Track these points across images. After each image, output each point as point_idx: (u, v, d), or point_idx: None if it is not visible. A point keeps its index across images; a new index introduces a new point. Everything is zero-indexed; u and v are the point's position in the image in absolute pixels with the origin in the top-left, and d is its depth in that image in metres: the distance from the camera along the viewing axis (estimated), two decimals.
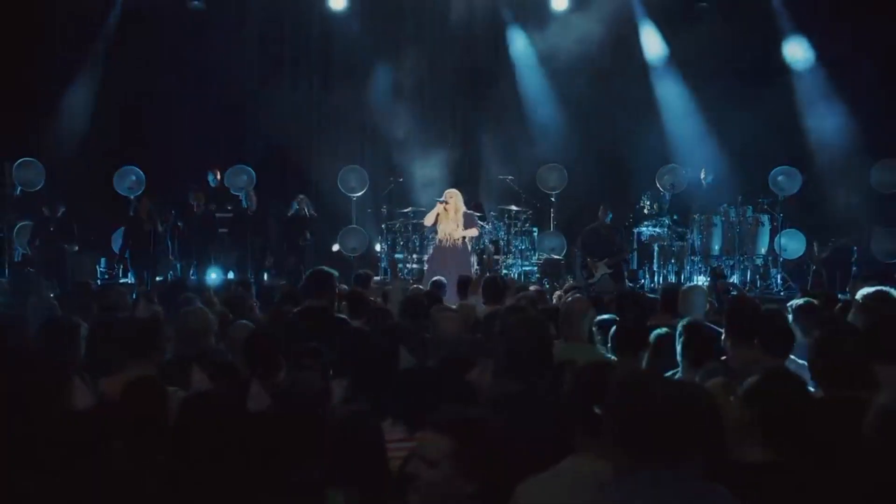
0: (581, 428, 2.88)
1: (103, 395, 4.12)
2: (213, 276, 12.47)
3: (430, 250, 13.03)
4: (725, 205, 12.80)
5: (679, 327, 4.61)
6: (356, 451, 3.13)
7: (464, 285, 8.25)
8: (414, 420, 3.55)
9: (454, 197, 10.98)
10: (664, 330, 4.97)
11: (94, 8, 13.54)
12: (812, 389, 3.99)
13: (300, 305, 6.33)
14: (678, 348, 4.53)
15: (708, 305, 6.71)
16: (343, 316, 6.23)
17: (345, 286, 7.90)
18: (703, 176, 12.93)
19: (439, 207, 10.93)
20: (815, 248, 12.14)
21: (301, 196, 12.82)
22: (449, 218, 10.89)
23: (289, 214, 12.77)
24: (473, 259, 12.66)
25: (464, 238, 11.02)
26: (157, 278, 12.44)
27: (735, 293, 9.56)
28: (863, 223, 12.10)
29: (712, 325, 4.99)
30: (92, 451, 3.37)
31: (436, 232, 11.18)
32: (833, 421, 3.19)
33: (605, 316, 5.76)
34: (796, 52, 13.61)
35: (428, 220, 11.25)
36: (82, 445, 3.39)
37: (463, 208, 11.02)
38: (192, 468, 3.08)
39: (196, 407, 3.24)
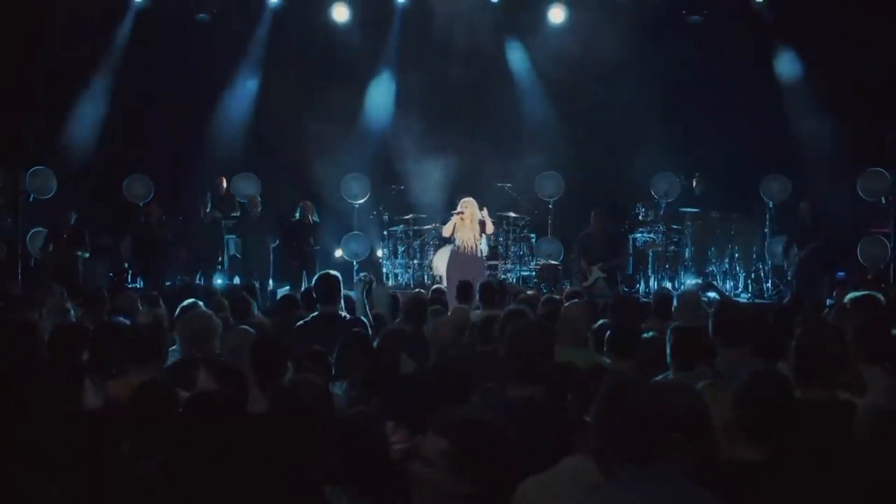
0: (580, 428, 2.90)
1: (110, 398, 4.13)
2: (220, 281, 12.49)
3: (431, 255, 13.07)
4: (717, 211, 12.83)
5: (668, 331, 4.62)
6: (360, 450, 3.14)
7: (464, 290, 8.21)
8: (415, 423, 3.57)
9: (469, 206, 11.01)
10: (653, 333, 4.99)
11: (100, 11, 13.52)
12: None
13: (308, 310, 6.35)
14: (668, 351, 4.54)
15: (702, 310, 6.72)
16: (351, 319, 6.23)
17: (348, 291, 7.91)
18: (694, 183, 12.98)
19: (456, 218, 10.97)
20: (788, 257, 12.19)
21: (307, 202, 12.84)
22: (465, 226, 10.94)
23: (292, 220, 12.78)
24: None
25: (479, 244, 11.06)
26: (167, 283, 12.46)
27: (718, 297, 9.58)
28: (848, 230, 12.13)
29: (703, 329, 5.00)
30: (100, 451, 3.39)
31: (453, 241, 11.17)
32: (812, 421, 3.20)
33: (600, 321, 5.78)
34: (785, 63, 13.64)
35: (446, 231, 11.26)
36: (91, 445, 3.40)
37: (478, 215, 11.06)
38: (195, 467, 3.09)
39: (199, 407, 3.25)
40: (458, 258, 10.96)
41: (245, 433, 3.17)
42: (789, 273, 12.31)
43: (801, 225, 12.24)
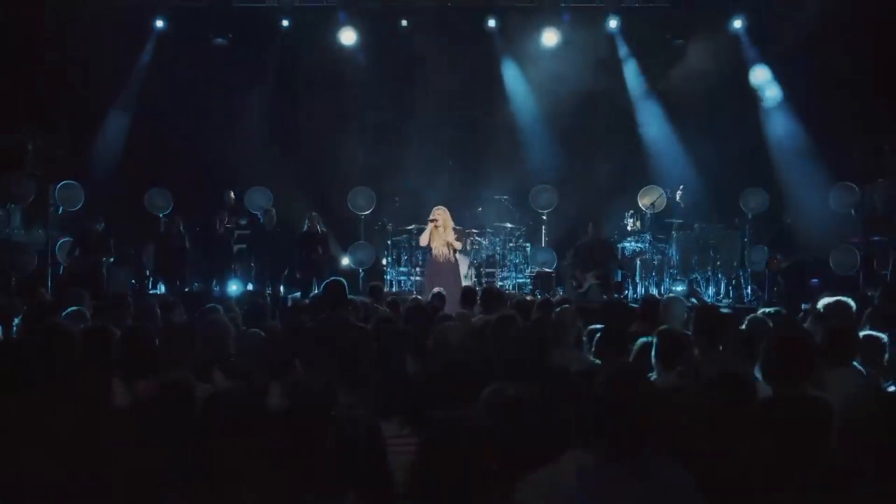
0: (578, 424, 2.96)
1: (138, 395, 4.18)
2: (234, 287, 12.54)
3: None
4: (700, 222, 12.90)
5: (655, 334, 4.68)
6: (358, 452, 3.17)
7: (467, 296, 8.22)
8: (419, 421, 3.61)
9: (442, 214, 10.89)
10: (647, 338, 5.05)
11: (125, 36, 13.60)
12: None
13: (316, 315, 6.39)
14: (653, 352, 4.60)
15: (686, 315, 6.75)
16: (360, 324, 6.27)
17: (352, 296, 7.96)
18: (678, 196, 13.05)
19: (430, 227, 10.86)
20: (778, 260, 12.18)
21: (314, 213, 12.90)
22: (439, 234, 10.80)
23: (301, 231, 12.84)
24: (472, 272, 12.72)
25: (455, 252, 10.91)
26: (185, 289, 12.51)
27: (697, 303, 9.60)
28: (821, 240, 12.22)
29: (687, 333, 5.06)
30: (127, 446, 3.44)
31: (429, 250, 11.08)
32: (783, 415, 3.25)
33: (595, 325, 5.83)
34: (761, 81, 13.71)
35: (423, 241, 11.08)
36: (119, 440, 3.45)
37: (451, 223, 10.94)
38: (213, 462, 3.13)
39: (217, 404, 3.29)
40: (433, 266, 10.87)
41: (261, 429, 3.20)
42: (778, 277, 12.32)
43: (786, 238, 12.24)
